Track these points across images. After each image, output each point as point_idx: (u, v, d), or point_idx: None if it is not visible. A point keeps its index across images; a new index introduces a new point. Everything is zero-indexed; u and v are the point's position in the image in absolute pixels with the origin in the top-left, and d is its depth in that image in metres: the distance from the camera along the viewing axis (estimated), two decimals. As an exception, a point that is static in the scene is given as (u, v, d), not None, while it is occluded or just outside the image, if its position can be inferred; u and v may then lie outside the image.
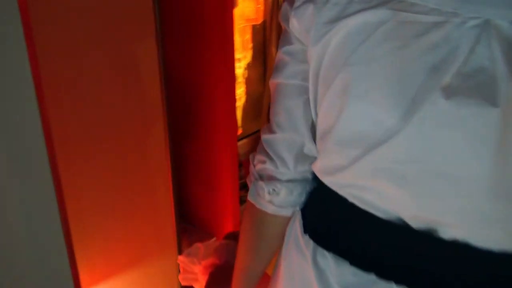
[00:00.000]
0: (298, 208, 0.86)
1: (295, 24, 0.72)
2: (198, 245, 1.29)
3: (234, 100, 1.78)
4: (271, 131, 0.83)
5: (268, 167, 0.82)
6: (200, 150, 1.89)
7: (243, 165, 2.70)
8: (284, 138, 0.80)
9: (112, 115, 1.16)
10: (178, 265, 1.41)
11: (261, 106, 2.87)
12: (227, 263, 1.18)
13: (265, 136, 0.84)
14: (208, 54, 1.64)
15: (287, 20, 0.75)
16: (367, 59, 0.61)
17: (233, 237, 1.36)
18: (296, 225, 0.84)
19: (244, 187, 2.82)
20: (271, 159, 0.81)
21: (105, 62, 1.11)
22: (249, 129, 2.96)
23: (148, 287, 1.41)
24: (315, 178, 0.80)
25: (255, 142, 3.03)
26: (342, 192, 0.72)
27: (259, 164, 0.84)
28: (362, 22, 0.61)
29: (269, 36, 2.77)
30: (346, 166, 0.67)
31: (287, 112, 0.79)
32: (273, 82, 0.82)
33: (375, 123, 0.61)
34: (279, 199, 0.82)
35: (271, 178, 0.82)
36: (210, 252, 1.23)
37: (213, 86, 1.70)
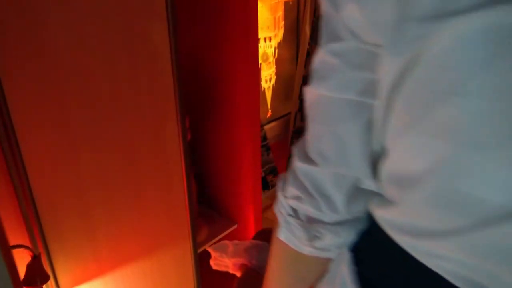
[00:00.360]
0: (345, 250, 0.65)
1: (355, 13, 0.46)
2: (226, 242, 1.23)
3: (257, 81, 1.67)
4: (311, 161, 0.60)
5: (307, 207, 0.61)
6: (222, 134, 1.81)
7: (271, 149, 2.60)
8: (332, 173, 0.58)
9: (119, 97, 1.08)
10: (193, 254, 1.35)
11: (292, 88, 2.75)
12: (257, 267, 1.11)
13: (301, 166, 0.61)
14: (228, 31, 1.53)
15: (335, 3, 0.49)
16: (495, 89, 0.35)
17: (263, 237, 1.30)
18: (344, 272, 0.63)
19: (272, 172, 2.74)
20: (311, 196, 0.60)
21: (109, 39, 1.02)
22: (279, 111, 2.85)
23: (161, 277, 1.36)
24: (371, 216, 0.60)
25: (285, 125, 2.93)
26: (426, 261, 0.50)
27: (293, 200, 0.63)
28: (485, 26, 0.35)
29: (303, 14, 2.62)
30: (444, 235, 0.45)
31: (336, 139, 0.56)
32: (313, 92, 0.57)
33: (506, 189, 0.38)
34: (322, 243, 0.63)
35: (311, 221, 0.62)
36: (239, 252, 1.15)
37: (233, 67, 1.60)
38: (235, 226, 1.90)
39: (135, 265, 1.23)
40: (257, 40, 1.55)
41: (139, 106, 1.09)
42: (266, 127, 2.68)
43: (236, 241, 1.24)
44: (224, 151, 1.83)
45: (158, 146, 1.17)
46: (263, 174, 2.69)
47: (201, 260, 1.85)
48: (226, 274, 1.27)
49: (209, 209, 2.00)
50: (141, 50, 1.05)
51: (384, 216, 0.55)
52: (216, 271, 1.33)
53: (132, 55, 1.03)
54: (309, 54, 2.65)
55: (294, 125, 2.81)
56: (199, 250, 1.76)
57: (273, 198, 3.04)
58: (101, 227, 1.11)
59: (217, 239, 1.80)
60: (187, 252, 1.35)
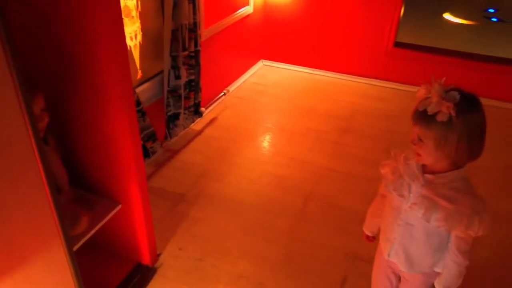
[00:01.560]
0: None
1: None
2: None
3: (122, 38, 1.43)
4: None
5: None
6: (90, 105, 1.54)
7: (147, 113, 2.38)
8: None
9: None
10: (68, 253, 1.14)
11: (161, 44, 2.51)
12: None
13: None
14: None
15: None
16: None
17: None
18: None
19: (151, 138, 2.53)
20: None
21: None
22: (149, 71, 2.60)
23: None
24: None
25: (158, 85, 2.69)
26: None
27: None
28: None
29: (163, -41, 2.35)
30: None
31: None
32: None
33: None
34: None
35: None
36: None
37: (92, 25, 1.33)
38: (119, 207, 1.70)
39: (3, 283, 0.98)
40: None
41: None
42: (138, 89, 2.43)
43: None
44: (96, 124, 1.58)
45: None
46: (141, 142, 2.47)
47: (84, 253, 1.61)
48: (109, 268, 1.09)
49: (87, 193, 1.75)
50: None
51: None
52: (97, 264, 1.13)
53: None
54: (176, 5, 2.42)
55: (168, 84, 2.60)
56: (81, 242, 1.54)
57: (155, 166, 2.84)
58: None
59: (100, 225, 1.59)
60: (60, 252, 1.13)
